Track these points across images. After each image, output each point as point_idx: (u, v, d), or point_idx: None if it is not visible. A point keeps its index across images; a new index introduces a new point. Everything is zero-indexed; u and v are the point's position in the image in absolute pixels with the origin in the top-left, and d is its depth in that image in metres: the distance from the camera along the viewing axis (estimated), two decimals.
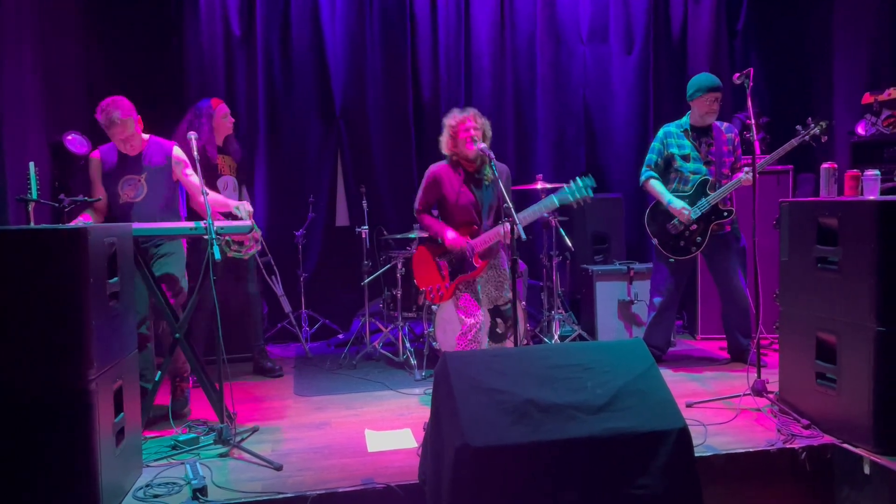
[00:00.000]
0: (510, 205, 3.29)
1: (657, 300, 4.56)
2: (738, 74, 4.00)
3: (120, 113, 3.57)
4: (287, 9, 5.55)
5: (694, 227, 4.32)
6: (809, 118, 4.07)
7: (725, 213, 4.31)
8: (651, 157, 4.50)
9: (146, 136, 3.80)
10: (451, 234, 3.78)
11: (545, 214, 4.41)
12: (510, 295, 3.84)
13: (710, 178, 4.30)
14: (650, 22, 6.00)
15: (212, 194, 3.69)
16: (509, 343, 4.35)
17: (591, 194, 3.63)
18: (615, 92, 6.06)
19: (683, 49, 6.10)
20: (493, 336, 3.87)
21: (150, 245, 3.71)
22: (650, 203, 4.55)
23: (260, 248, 4.18)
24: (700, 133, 4.40)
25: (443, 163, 3.89)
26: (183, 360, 3.70)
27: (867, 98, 4.94)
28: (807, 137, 4.02)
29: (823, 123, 4.01)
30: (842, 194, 3.48)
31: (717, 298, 5.05)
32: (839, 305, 3.11)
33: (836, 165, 3.51)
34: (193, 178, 3.78)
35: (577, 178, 3.62)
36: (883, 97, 4.81)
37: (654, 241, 4.46)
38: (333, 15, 5.62)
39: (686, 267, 4.53)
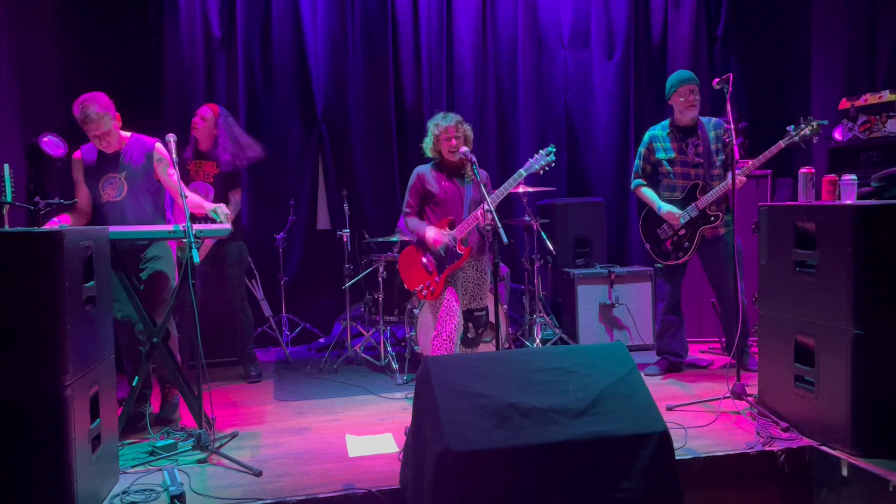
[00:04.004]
0: (492, 209, 3.33)
1: (660, 305, 4.54)
2: (717, 80, 4.04)
3: (96, 108, 3.49)
4: (268, 11, 5.52)
5: (682, 231, 4.28)
6: (802, 118, 3.93)
7: (712, 218, 4.23)
8: (637, 163, 4.47)
9: (127, 134, 3.72)
10: (430, 234, 3.74)
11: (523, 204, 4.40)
12: (486, 303, 3.88)
13: (700, 182, 4.24)
14: (631, 27, 6.04)
15: (189, 196, 3.65)
16: (490, 347, 4.34)
17: (553, 158, 3.66)
18: (596, 96, 6.09)
19: (664, 54, 6.15)
20: (465, 341, 3.84)
21: (138, 251, 3.65)
22: (641, 209, 4.52)
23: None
24: (686, 133, 4.33)
25: (427, 165, 3.91)
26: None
27: (844, 104, 5.00)
28: (796, 138, 3.90)
29: (815, 124, 3.85)
30: (819, 199, 3.52)
31: (697, 302, 5.07)
32: (817, 308, 3.14)
33: (813, 170, 3.54)
34: (174, 178, 3.73)
35: (540, 150, 3.68)
36: (859, 103, 4.86)
37: (647, 246, 4.45)
38: (315, 17, 5.59)
39: (678, 271, 4.45)
